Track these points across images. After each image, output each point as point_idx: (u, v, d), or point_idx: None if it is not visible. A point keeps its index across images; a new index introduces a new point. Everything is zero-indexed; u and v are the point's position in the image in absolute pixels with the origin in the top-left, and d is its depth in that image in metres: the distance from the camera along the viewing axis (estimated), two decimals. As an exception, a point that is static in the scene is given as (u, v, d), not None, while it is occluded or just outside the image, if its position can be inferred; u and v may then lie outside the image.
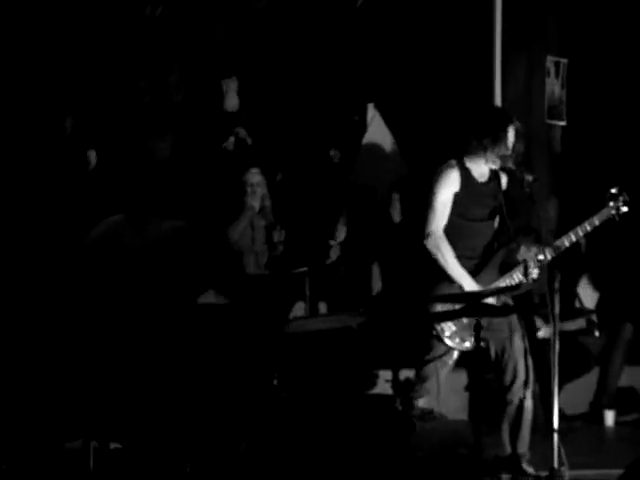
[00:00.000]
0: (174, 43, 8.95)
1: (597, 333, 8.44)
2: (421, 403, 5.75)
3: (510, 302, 5.95)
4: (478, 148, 5.83)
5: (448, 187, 5.83)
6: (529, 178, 5.84)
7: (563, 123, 9.97)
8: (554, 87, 9.92)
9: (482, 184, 5.92)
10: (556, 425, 5.62)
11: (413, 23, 9.69)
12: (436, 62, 9.56)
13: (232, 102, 9.03)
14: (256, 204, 8.13)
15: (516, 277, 5.84)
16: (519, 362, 5.92)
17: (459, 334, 5.76)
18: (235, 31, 9.24)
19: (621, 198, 5.98)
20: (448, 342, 5.78)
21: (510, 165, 5.85)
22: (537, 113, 9.82)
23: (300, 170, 9.03)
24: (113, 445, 5.54)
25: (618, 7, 9.80)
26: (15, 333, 6.00)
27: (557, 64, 9.91)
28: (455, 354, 5.88)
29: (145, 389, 5.46)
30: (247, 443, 5.08)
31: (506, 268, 5.91)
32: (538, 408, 7.51)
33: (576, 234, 5.90)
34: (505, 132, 5.84)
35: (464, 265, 5.82)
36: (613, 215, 5.97)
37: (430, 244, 5.79)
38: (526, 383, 5.95)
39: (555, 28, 9.86)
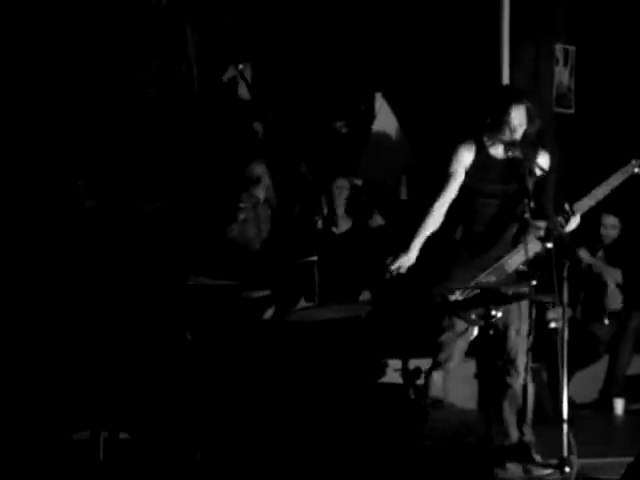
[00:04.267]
0: (181, 33, 8.93)
1: (606, 321, 8.43)
2: (430, 392, 5.74)
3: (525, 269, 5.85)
4: (483, 128, 5.82)
5: (461, 161, 5.82)
6: (535, 167, 5.82)
7: (571, 111, 9.94)
8: (562, 75, 9.90)
9: (497, 159, 5.86)
10: (565, 414, 5.62)
11: (421, 12, 9.67)
12: (443, 51, 9.54)
13: (244, 91, 9.02)
14: (261, 195, 8.16)
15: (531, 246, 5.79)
16: (520, 346, 5.89)
17: (476, 312, 5.72)
18: (242, 20, 9.22)
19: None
20: (466, 318, 5.70)
21: (517, 154, 5.78)
22: (545, 101, 9.79)
23: (307, 157, 9.02)
24: (122, 435, 5.55)
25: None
26: (24, 327, 6.02)
27: (565, 52, 9.88)
28: (475, 330, 5.82)
29: (154, 379, 5.47)
30: (257, 432, 5.09)
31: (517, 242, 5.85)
32: (547, 396, 7.53)
33: (595, 196, 5.83)
34: (506, 112, 5.74)
35: (474, 240, 5.80)
36: (637, 172, 5.90)
37: (432, 205, 5.78)
38: (525, 369, 5.92)
39: (563, 16, 9.84)
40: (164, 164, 8.19)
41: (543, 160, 5.92)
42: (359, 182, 8.96)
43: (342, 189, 8.36)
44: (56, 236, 6.83)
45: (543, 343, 7.28)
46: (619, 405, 8.18)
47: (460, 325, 5.82)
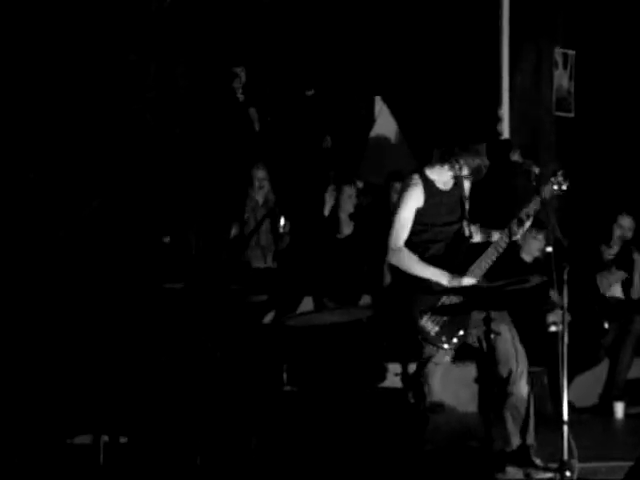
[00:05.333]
0: (181, 37, 8.94)
1: (607, 325, 8.43)
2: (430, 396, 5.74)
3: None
4: (451, 159, 5.86)
5: (411, 204, 5.85)
6: (535, 170, 5.84)
7: (571, 115, 9.95)
8: (562, 79, 9.91)
9: (446, 192, 5.93)
10: (566, 417, 5.62)
11: (421, 15, 9.68)
12: (444, 55, 9.55)
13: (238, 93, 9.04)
14: (260, 198, 8.17)
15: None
16: (510, 353, 5.88)
17: (444, 333, 5.74)
18: (243, 24, 9.23)
19: (559, 173, 5.94)
20: (436, 343, 5.75)
21: (517, 158, 5.87)
22: (545, 105, 9.81)
23: (302, 162, 9.03)
24: (123, 439, 5.56)
25: (626, -1, 9.80)
26: (24, 333, 6.03)
27: (565, 56, 9.90)
28: (448, 353, 5.84)
29: (154, 383, 5.48)
30: (257, 436, 5.09)
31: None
32: (548, 400, 7.53)
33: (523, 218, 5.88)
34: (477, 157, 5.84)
35: (433, 263, 5.83)
36: (556, 191, 5.94)
37: (392, 259, 5.82)
38: (522, 372, 5.91)
39: (563, 20, 9.86)
40: (163, 166, 8.19)
41: (467, 184, 6.02)
42: (360, 185, 8.97)
43: (350, 197, 8.36)
44: (54, 239, 6.85)
45: (544, 347, 7.29)
46: (619, 409, 8.18)
47: (439, 354, 5.81)
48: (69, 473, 5.57)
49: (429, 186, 5.88)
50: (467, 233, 5.96)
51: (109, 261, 5.78)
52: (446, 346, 5.75)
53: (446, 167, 5.87)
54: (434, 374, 5.85)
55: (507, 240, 5.90)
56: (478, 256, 5.91)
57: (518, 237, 5.95)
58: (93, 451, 5.47)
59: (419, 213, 5.87)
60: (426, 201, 5.87)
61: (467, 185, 6.05)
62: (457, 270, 5.82)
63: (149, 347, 5.56)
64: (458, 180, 5.96)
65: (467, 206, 5.99)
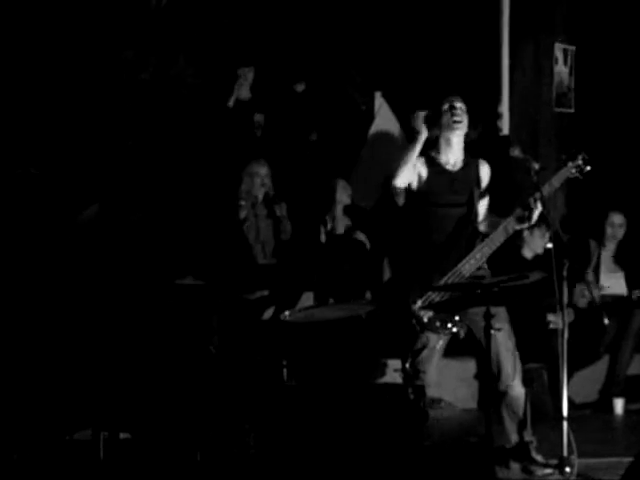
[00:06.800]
0: (180, 34, 8.94)
1: (606, 321, 8.42)
2: (429, 392, 5.73)
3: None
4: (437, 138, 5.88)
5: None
6: (535, 167, 5.82)
7: (571, 111, 9.94)
8: (562, 75, 9.90)
9: (453, 172, 5.91)
10: (565, 413, 5.62)
11: (421, 11, 9.67)
12: (444, 51, 9.54)
13: (245, 92, 9.03)
14: (260, 195, 8.13)
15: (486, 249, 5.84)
16: (501, 351, 5.84)
17: (438, 319, 5.71)
18: (242, 21, 9.23)
19: (580, 157, 5.93)
20: (431, 329, 5.72)
21: (517, 153, 5.86)
22: (545, 101, 9.80)
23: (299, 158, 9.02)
24: (123, 435, 5.56)
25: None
26: (25, 328, 6.03)
27: (565, 51, 9.89)
28: (440, 339, 5.82)
29: (154, 379, 5.48)
30: (256, 432, 5.09)
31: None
32: (548, 397, 7.53)
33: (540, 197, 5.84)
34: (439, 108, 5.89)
35: (434, 250, 5.82)
36: (575, 174, 5.92)
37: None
38: (514, 371, 5.87)
39: (563, 15, 9.84)
40: (158, 165, 8.19)
41: (484, 172, 5.98)
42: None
43: (345, 188, 8.34)
44: (53, 237, 6.85)
45: (543, 343, 7.29)
46: (619, 405, 8.18)
47: (433, 339, 5.79)
48: (69, 469, 5.57)
49: (430, 161, 5.87)
50: (481, 228, 5.92)
51: (109, 260, 5.78)
52: (441, 332, 5.73)
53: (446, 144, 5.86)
54: (428, 361, 5.80)
55: (515, 225, 5.85)
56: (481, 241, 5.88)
57: (532, 220, 5.87)
58: (93, 447, 5.47)
59: (422, 187, 5.84)
60: (429, 174, 5.84)
61: (485, 171, 6.00)
62: (458, 254, 5.80)
63: (148, 343, 5.57)
64: (471, 163, 5.92)
65: (478, 191, 5.93)
